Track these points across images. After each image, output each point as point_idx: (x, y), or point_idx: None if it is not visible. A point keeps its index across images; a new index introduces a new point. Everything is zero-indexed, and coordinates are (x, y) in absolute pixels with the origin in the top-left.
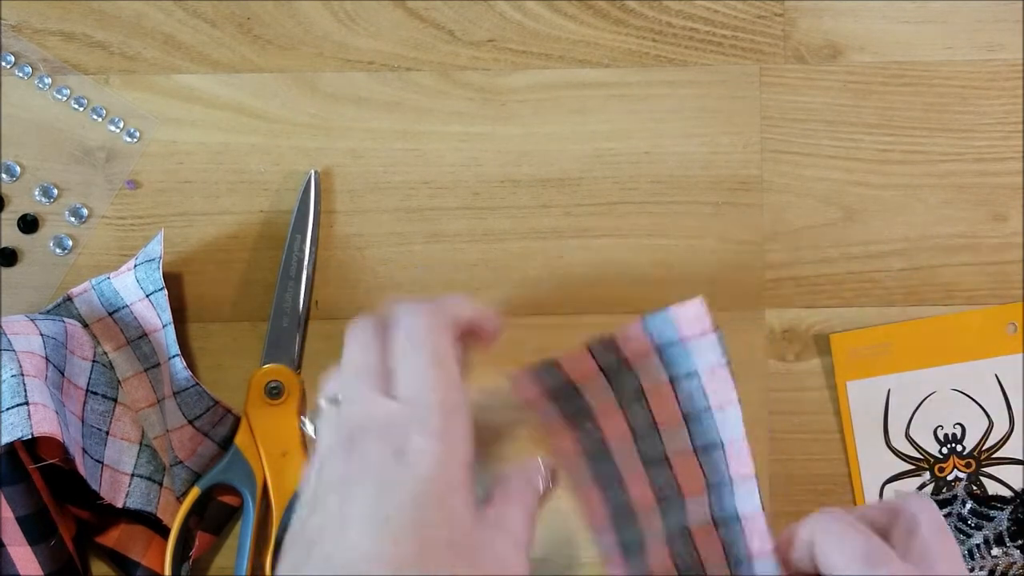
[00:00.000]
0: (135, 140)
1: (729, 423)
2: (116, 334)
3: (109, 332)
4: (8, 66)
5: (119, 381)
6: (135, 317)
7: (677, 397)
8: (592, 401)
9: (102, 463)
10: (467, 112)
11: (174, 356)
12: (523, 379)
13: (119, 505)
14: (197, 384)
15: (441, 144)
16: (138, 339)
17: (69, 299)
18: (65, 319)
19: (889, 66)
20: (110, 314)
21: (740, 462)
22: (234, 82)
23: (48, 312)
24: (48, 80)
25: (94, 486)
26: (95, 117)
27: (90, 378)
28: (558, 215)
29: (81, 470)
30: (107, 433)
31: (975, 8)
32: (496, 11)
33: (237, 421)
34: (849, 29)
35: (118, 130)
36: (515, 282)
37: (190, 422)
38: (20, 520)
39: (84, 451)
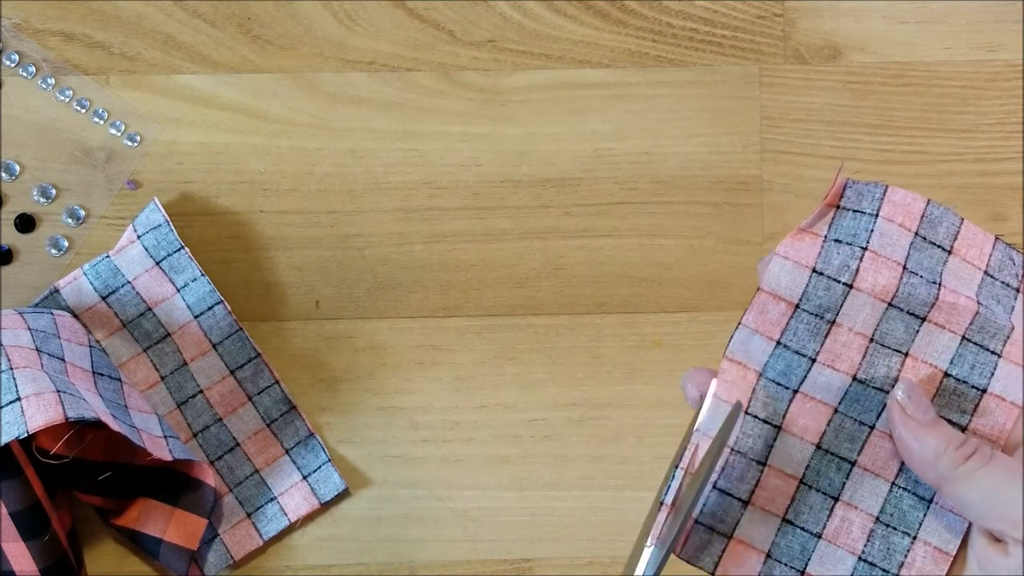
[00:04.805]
0: (136, 144)
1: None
2: (108, 320)
3: (100, 319)
4: (12, 65)
5: (116, 366)
6: (136, 293)
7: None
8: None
9: (136, 427)
10: (467, 112)
11: (217, 304)
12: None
13: (168, 458)
14: (240, 330)
15: (441, 144)
16: (137, 318)
17: (56, 291)
18: (53, 311)
19: (889, 66)
20: (103, 298)
21: (1017, 349)
22: (234, 82)
23: (36, 305)
24: (51, 81)
25: (138, 443)
26: (97, 120)
27: (92, 360)
28: (558, 215)
29: (117, 427)
30: (125, 406)
31: (975, 8)
32: (496, 11)
33: (277, 385)
34: (849, 29)
35: (119, 133)
36: (515, 282)
37: (232, 372)
38: (14, 516)
39: (114, 417)
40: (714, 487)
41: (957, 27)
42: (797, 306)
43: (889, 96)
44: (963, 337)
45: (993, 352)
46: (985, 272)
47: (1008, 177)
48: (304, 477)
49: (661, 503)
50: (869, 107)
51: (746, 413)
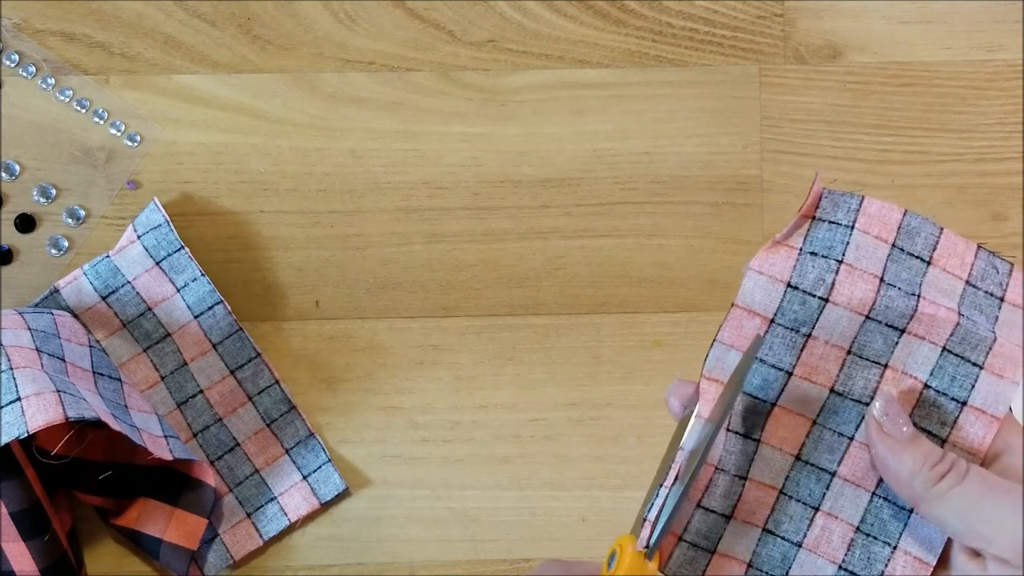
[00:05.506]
0: (136, 144)
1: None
2: (108, 320)
3: (100, 319)
4: (12, 65)
5: (116, 366)
6: (136, 293)
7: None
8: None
9: (136, 427)
10: (467, 112)
11: (217, 304)
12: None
13: (168, 458)
14: (240, 330)
15: (441, 144)
16: (137, 318)
17: (56, 291)
18: (53, 311)
19: (889, 66)
20: (103, 298)
21: (1006, 362)
22: (234, 82)
23: (36, 305)
24: (51, 81)
25: (138, 442)
26: (97, 120)
27: (92, 360)
28: (558, 215)
29: (117, 427)
30: (125, 406)
31: (975, 8)
32: (496, 11)
33: (277, 385)
34: (849, 29)
35: (119, 133)
36: (515, 282)
37: (232, 372)
38: (14, 516)
39: (114, 416)
40: (699, 506)
41: (957, 27)
42: (772, 321)
43: (889, 96)
44: (944, 348)
45: (975, 364)
46: (967, 282)
47: (1008, 177)
48: (304, 477)
49: (644, 519)
50: (869, 107)
51: (727, 430)
